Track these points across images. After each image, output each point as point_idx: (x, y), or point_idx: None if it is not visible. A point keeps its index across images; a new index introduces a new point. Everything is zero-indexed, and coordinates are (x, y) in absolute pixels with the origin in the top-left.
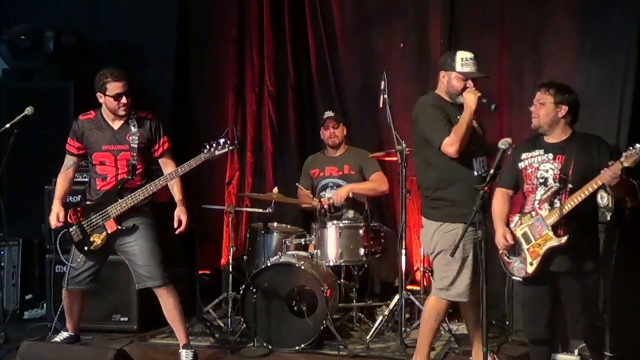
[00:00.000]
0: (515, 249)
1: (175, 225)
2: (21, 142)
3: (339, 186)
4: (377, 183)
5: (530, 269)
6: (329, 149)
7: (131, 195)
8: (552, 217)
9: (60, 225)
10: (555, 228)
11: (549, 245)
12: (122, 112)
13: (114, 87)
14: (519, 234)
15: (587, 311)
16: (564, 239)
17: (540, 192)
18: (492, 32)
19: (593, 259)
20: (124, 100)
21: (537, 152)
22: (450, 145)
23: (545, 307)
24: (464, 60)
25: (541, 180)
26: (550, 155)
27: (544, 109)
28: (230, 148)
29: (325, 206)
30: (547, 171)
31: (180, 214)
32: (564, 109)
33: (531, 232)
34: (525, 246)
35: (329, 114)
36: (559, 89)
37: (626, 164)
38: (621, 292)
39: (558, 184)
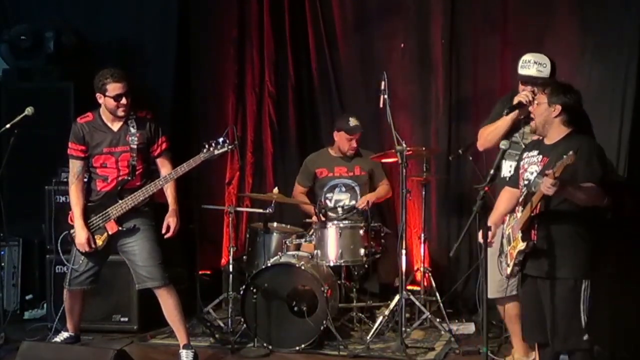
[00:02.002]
0: (503, 249)
1: (163, 231)
2: (21, 142)
3: (348, 187)
4: (386, 191)
5: (508, 270)
6: (335, 149)
7: (131, 195)
8: (521, 221)
9: (91, 250)
10: (528, 230)
11: (518, 248)
12: (121, 113)
13: (114, 88)
14: (506, 233)
15: (566, 327)
16: (524, 245)
17: (523, 194)
18: (494, 32)
19: (569, 264)
20: (123, 100)
21: (533, 153)
22: (478, 138)
23: (533, 310)
24: (523, 62)
25: (525, 182)
26: (540, 157)
27: (539, 108)
28: (230, 147)
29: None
30: (532, 173)
31: (169, 220)
32: (557, 109)
33: (512, 234)
34: (507, 247)
35: (354, 122)
36: (555, 88)
37: (557, 174)
38: (620, 291)
39: (529, 187)
